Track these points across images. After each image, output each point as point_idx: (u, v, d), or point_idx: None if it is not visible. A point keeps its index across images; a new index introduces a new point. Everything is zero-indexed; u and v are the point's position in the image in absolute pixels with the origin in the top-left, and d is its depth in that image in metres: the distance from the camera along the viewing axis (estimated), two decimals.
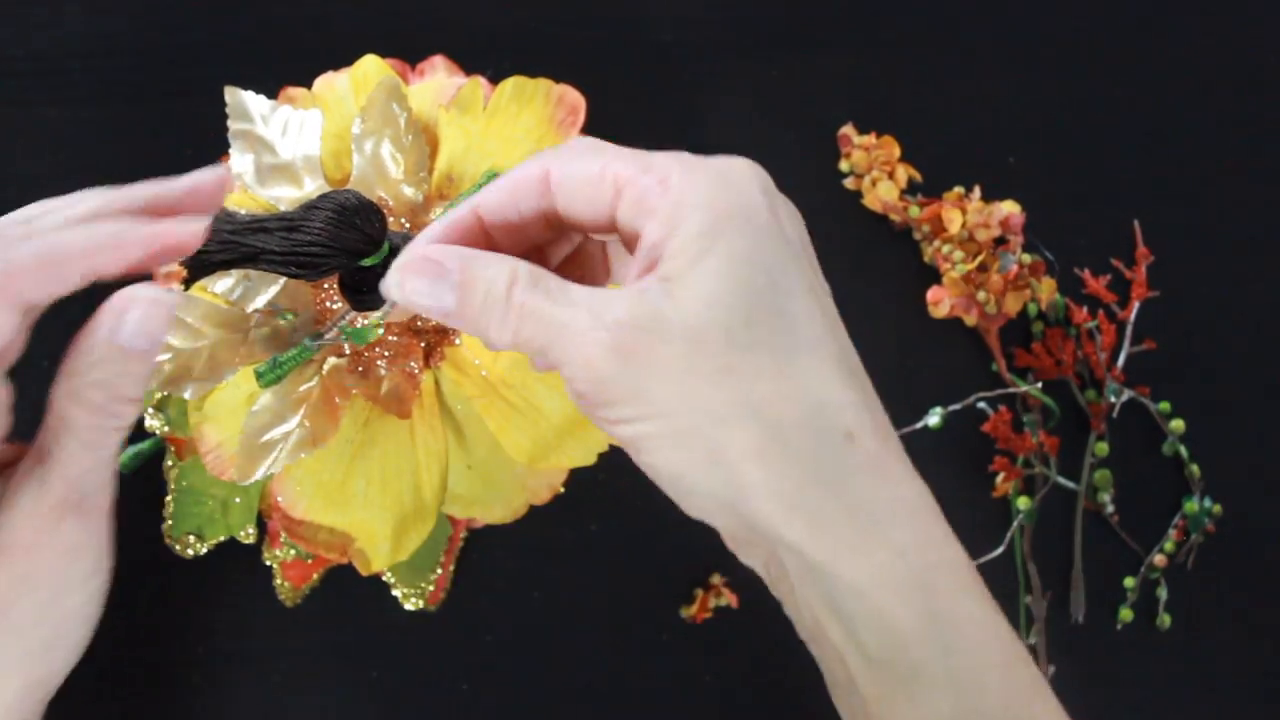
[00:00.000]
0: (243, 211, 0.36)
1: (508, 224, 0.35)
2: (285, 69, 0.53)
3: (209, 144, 0.50)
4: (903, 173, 0.53)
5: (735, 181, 0.32)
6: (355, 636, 0.50)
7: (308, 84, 0.51)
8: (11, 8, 0.54)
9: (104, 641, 0.44)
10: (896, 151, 0.53)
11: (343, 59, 0.52)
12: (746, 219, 0.31)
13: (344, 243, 0.35)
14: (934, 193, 0.54)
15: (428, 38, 0.53)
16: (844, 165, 0.54)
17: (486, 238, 0.35)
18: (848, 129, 0.54)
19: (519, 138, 0.49)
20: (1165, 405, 0.52)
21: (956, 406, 0.51)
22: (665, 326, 0.30)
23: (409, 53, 0.52)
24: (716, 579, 0.51)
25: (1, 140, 0.53)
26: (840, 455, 0.31)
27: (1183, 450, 0.52)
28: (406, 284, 0.34)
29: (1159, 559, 0.51)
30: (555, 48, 0.55)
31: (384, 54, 0.51)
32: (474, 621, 0.50)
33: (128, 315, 0.34)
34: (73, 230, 0.34)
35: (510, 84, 0.49)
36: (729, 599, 0.50)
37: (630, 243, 0.33)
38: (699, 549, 0.51)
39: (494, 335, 0.33)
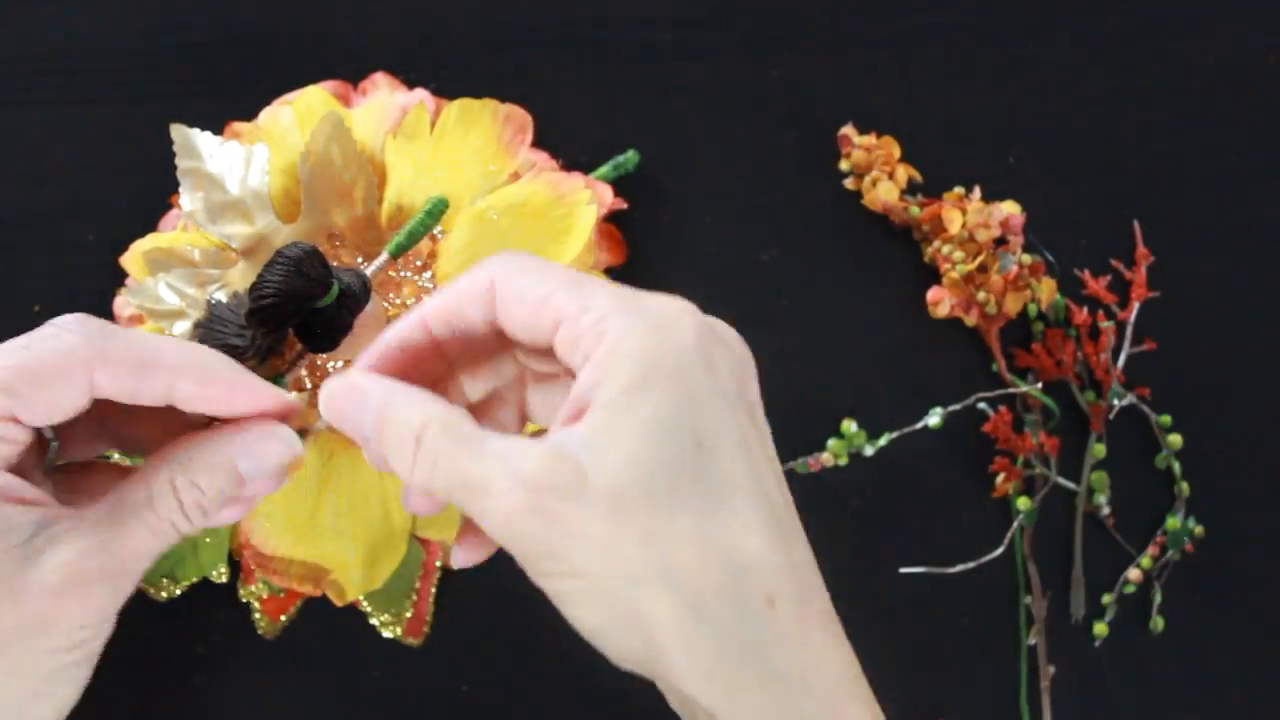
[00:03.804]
0: (221, 301, 0.38)
1: (457, 333, 0.35)
2: (285, 69, 0.53)
3: None
4: (903, 173, 0.53)
5: (670, 330, 0.32)
6: (350, 646, 0.50)
7: (302, 85, 0.51)
8: (12, 8, 0.54)
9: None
10: (896, 151, 0.53)
11: (343, 60, 0.52)
12: (678, 373, 0.31)
13: (296, 289, 0.38)
14: (934, 193, 0.54)
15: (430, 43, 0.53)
16: (844, 165, 0.54)
17: (436, 348, 0.35)
18: (848, 129, 0.54)
19: (467, 160, 0.48)
20: (1166, 418, 0.52)
21: (956, 407, 0.51)
22: (584, 488, 0.30)
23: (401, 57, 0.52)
24: None
25: (1, 140, 0.53)
26: (758, 622, 0.31)
27: (1176, 466, 0.52)
28: (332, 406, 0.34)
29: (1134, 574, 0.51)
30: (555, 48, 0.55)
31: (378, 57, 0.51)
32: (474, 621, 0.50)
33: (266, 450, 0.35)
34: (174, 343, 0.34)
35: (456, 106, 0.49)
36: None
37: (568, 374, 0.33)
38: None
39: (407, 477, 0.32)
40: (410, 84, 0.52)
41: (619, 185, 0.52)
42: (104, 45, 0.54)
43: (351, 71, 0.52)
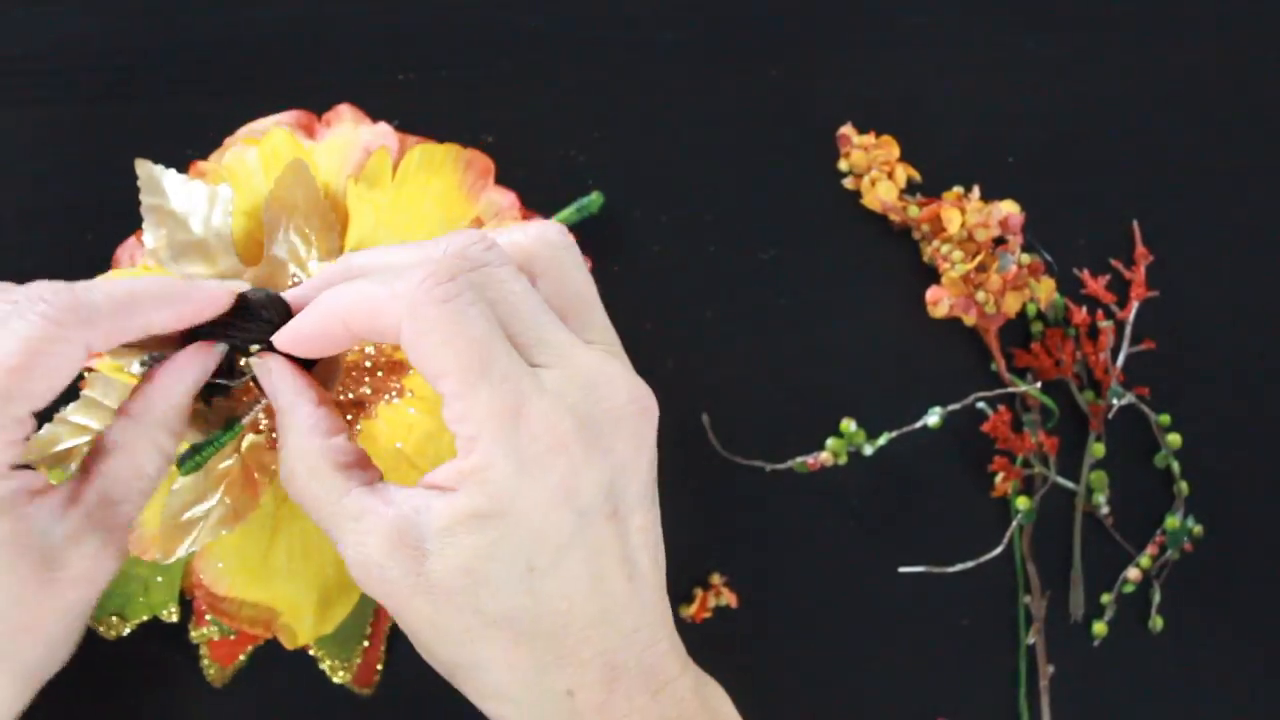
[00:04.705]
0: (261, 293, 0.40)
1: (353, 337, 0.38)
2: (285, 70, 0.53)
3: (209, 145, 0.50)
4: (902, 173, 0.53)
5: (537, 472, 0.34)
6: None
7: (301, 87, 0.51)
8: (11, 7, 0.54)
9: None
10: (896, 151, 0.53)
11: (343, 65, 0.52)
12: (530, 511, 0.34)
13: (246, 335, 0.39)
14: (933, 193, 0.54)
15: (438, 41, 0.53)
16: (843, 165, 0.54)
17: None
18: (847, 129, 0.54)
19: (428, 208, 0.48)
20: (1165, 418, 0.52)
21: (956, 406, 0.51)
22: (420, 573, 0.35)
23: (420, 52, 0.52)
24: (716, 579, 0.51)
25: (1, 140, 0.53)
26: (562, 709, 0.36)
27: (1175, 465, 0.52)
28: (268, 382, 0.40)
29: (1133, 573, 0.51)
30: (556, 46, 0.55)
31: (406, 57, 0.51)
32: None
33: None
34: (142, 283, 0.38)
35: (418, 152, 0.48)
36: (729, 599, 0.50)
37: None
38: (699, 549, 0.51)
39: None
40: (374, 116, 0.52)
41: (582, 226, 0.51)
42: (104, 45, 0.54)
43: (321, 96, 0.52)
